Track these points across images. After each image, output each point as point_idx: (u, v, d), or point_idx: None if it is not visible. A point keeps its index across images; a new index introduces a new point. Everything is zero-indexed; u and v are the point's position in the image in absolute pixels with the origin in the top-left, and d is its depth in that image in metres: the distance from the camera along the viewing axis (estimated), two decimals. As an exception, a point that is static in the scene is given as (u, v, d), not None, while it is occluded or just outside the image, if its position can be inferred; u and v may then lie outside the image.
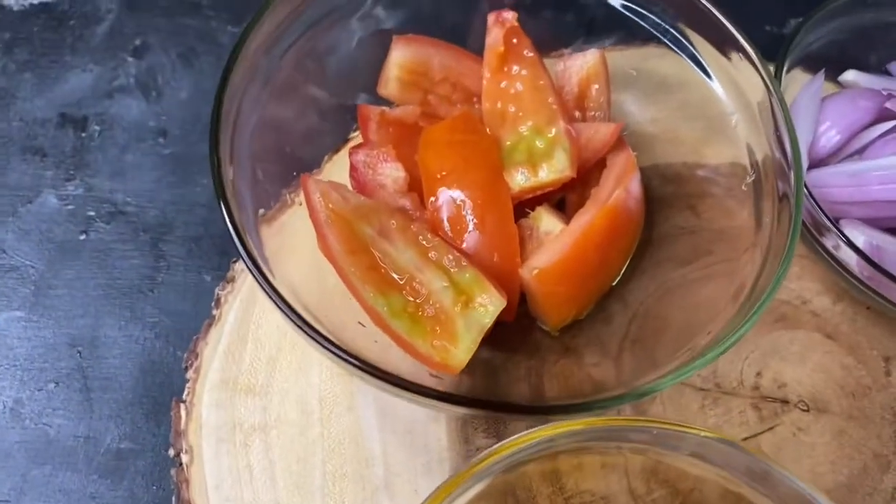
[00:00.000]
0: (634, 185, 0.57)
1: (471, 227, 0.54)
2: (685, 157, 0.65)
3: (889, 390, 0.61)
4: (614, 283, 0.60)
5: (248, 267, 0.44)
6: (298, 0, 0.57)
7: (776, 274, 0.50)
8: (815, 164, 0.63)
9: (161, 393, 0.63)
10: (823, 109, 0.63)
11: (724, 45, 0.57)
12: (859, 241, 0.56)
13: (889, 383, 0.61)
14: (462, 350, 0.50)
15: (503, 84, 0.60)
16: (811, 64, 0.67)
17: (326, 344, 0.43)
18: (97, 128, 0.75)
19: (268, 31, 0.55)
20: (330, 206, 0.53)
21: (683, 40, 0.60)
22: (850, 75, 0.66)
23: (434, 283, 0.52)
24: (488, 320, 0.51)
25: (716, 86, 0.59)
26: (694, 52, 0.60)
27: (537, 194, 0.56)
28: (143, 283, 0.68)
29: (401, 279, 0.52)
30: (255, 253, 0.45)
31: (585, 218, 0.55)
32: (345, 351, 0.43)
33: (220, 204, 0.45)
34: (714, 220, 0.65)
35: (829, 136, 0.62)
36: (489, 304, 0.51)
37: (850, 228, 0.58)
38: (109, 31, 0.80)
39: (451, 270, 0.53)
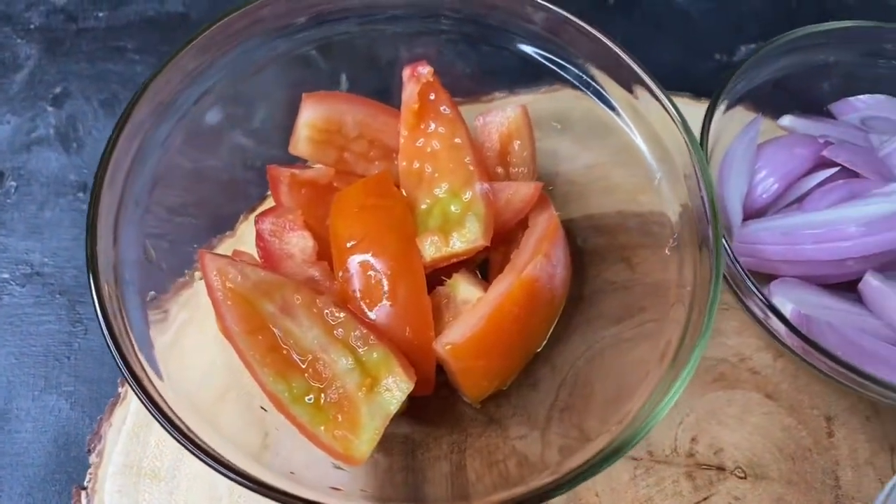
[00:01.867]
0: (556, 250, 0.54)
1: (382, 299, 0.51)
2: (619, 206, 0.62)
3: (830, 452, 0.58)
4: (539, 349, 0.57)
5: (130, 386, 0.42)
6: (214, 47, 0.54)
7: (700, 334, 0.47)
8: (753, 214, 0.60)
9: (76, 468, 0.60)
10: (760, 156, 0.60)
11: (641, 94, 0.55)
12: (786, 309, 0.53)
13: (831, 444, 0.59)
14: (364, 441, 0.47)
15: (420, 142, 0.57)
16: (754, 102, 0.64)
17: (207, 460, 0.40)
18: (13, 183, 0.72)
19: (173, 79, 0.52)
20: (227, 283, 0.50)
21: (603, 91, 0.57)
22: (786, 121, 0.63)
23: (339, 363, 0.49)
24: (393, 407, 0.48)
25: (636, 136, 0.56)
26: (613, 103, 0.57)
27: (453, 262, 0.53)
28: (59, 349, 0.65)
29: (303, 361, 0.50)
30: (136, 367, 0.43)
31: (501, 288, 0.52)
32: (226, 468, 0.40)
33: (96, 309, 0.43)
34: (648, 274, 0.62)
35: (766, 186, 0.60)
36: (395, 389, 0.48)
37: (780, 292, 0.55)
38: (28, 79, 0.77)
39: (358, 349, 0.50)
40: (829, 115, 0.66)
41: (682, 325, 0.52)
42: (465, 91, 0.64)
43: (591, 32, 0.54)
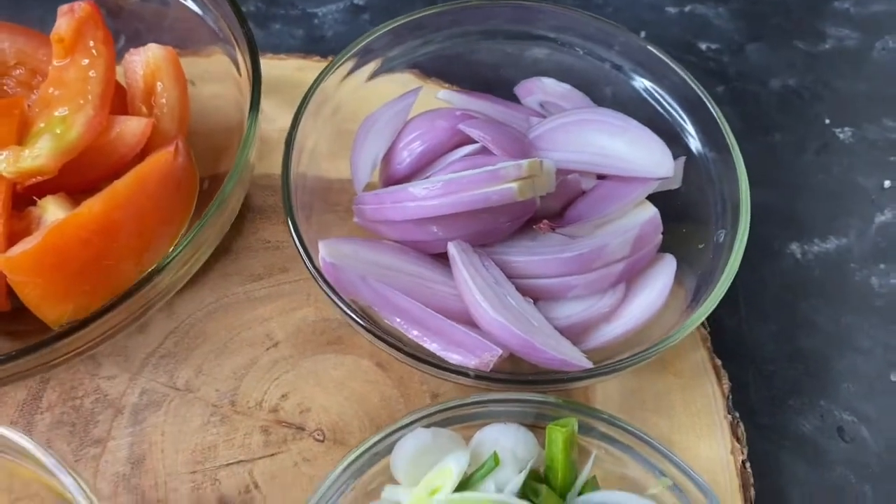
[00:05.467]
0: (150, 178, 0.54)
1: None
2: (307, 169, 0.61)
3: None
4: (169, 294, 0.57)
5: None
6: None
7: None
8: (395, 182, 0.60)
9: None
10: (407, 127, 0.60)
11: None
12: (319, 257, 0.52)
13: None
14: None
15: (63, 73, 0.59)
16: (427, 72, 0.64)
17: None
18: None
19: None
20: None
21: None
22: (443, 94, 0.62)
23: None
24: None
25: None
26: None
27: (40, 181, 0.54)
28: None
29: None
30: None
31: (78, 208, 0.53)
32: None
33: None
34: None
35: (403, 156, 0.59)
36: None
37: (329, 245, 0.53)
38: None
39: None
40: (515, 98, 0.65)
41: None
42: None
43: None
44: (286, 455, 0.55)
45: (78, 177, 0.56)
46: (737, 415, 0.60)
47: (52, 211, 0.55)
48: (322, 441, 0.56)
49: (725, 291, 0.53)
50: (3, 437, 0.43)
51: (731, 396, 0.60)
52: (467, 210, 0.51)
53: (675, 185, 0.58)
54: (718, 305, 0.58)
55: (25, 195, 0.56)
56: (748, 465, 0.57)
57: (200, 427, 0.56)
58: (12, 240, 0.54)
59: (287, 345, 0.59)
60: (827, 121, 0.85)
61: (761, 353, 0.71)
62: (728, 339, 0.63)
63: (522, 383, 0.49)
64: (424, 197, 0.51)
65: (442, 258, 0.55)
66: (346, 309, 0.49)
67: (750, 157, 0.76)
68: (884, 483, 0.65)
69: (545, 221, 0.53)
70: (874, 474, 0.66)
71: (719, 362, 0.61)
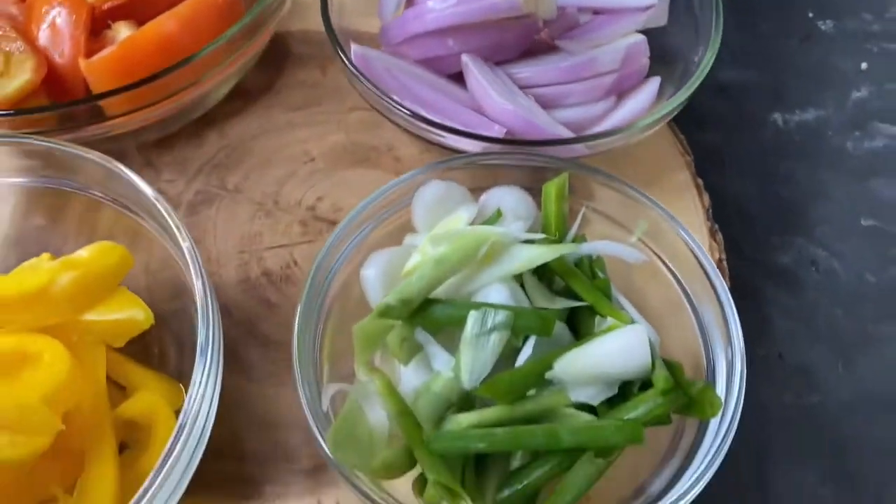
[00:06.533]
0: (204, 5, 0.64)
1: (44, 25, 0.63)
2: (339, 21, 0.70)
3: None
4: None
5: None
6: None
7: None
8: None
9: None
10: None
11: None
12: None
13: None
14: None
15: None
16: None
17: None
18: None
19: None
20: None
21: None
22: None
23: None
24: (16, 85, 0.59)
25: None
26: None
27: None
28: None
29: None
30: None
31: (145, 26, 0.63)
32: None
33: None
34: (336, 80, 0.72)
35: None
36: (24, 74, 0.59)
37: (362, 53, 0.62)
38: None
39: (13, 53, 0.61)
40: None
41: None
42: None
43: None
44: (321, 242, 0.64)
45: (144, 7, 0.66)
46: (716, 226, 0.67)
47: (123, 31, 0.65)
48: (353, 232, 0.64)
49: (698, 84, 0.60)
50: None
51: (710, 209, 0.68)
52: (479, 20, 0.60)
53: (662, 22, 0.67)
54: (706, 165, 0.66)
55: (102, 19, 0.65)
56: (724, 262, 0.65)
57: (248, 220, 0.65)
58: (91, 56, 0.63)
59: (322, 160, 0.68)
60: (810, 14, 0.93)
61: (745, 202, 0.79)
62: (715, 192, 0.71)
63: (523, 143, 0.57)
64: (441, 8, 0.59)
65: (456, 79, 0.64)
66: (375, 90, 0.58)
67: (737, 43, 0.85)
68: (852, 307, 0.73)
69: (546, 31, 0.62)
70: (843, 300, 0.73)
71: (701, 182, 0.69)
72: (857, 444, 0.67)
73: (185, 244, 0.48)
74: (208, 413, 0.48)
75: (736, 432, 0.48)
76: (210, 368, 0.46)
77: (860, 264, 0.76)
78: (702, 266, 0.51)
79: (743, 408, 0.48)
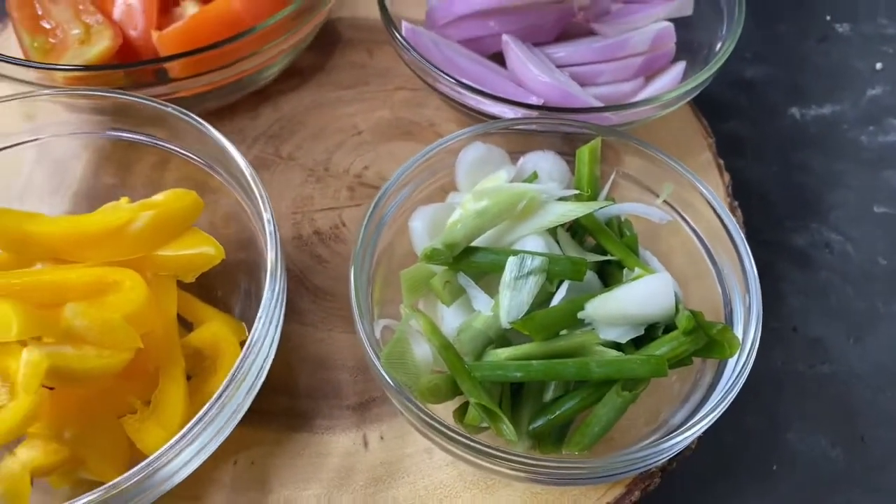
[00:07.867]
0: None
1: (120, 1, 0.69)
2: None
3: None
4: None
5: None
6: None
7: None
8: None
9: None
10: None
11: None
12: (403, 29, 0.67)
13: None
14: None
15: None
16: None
17: None
18: None
19: None
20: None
21: None
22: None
23: (72, 32, 0.67)
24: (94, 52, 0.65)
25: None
26: None
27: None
28: None
29: (51, 26, 0.67)
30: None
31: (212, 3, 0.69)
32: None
33: None
34: (382, 61, 0.78)
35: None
36: (102, 39, 0.65)
37: (416, 32, 0.68)
38: None
39: (91, 24, 0.67)
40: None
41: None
42: None
43: None
44: (367, 205, 0.69)
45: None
46: (736, 202, 0.72)
47: (191, 8, 0.70)
48: (396, 197, 0.69)
49: (721, 64, 0.65)
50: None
51: (730, 187, 0.73)
52: (520, 4, 0.65)
53: (688, 11, 0.72)
54: (728, 152, 0.71)
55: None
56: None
57: (300, 184, 0.70)
58: (161, 29, 0.69)
59: (368, 133, 0.73)
60: (828, 17, 0.98)
61: (764, 186, 0.83)
62: (735, 177, 0.75)
63: (559, 110, 0.62)
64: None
65: (495, 60, 0.70)
66: (422, 60, 0.63)
67: (759, 43, 0.90)
68: (863, 286, 0.77)
69: (581, 15, 0.67)
70: (854, 278, 0.78)
71: (722, 162, 0.74)
72: (866, 410, 0.71)
73: (258, 192, 0.53)
74: (271, 344, 0.53)
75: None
76: (276, 302, 0.50)
77: (872, 248, 0.80)
78: (720, 219, 0.56)
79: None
